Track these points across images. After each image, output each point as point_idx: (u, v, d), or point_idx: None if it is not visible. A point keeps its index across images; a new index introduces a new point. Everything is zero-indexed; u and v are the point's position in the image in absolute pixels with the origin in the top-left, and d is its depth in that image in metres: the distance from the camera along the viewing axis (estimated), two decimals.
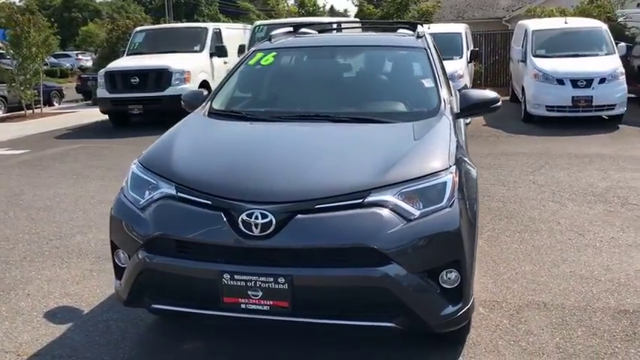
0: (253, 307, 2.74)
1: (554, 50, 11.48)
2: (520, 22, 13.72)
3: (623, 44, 11.72)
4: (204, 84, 12.51)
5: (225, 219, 2.76)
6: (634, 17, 13.66)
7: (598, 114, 10.74)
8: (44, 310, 3.98)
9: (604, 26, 11.84)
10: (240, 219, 2.73)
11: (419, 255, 2.73)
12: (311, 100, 4.02)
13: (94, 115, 14.23)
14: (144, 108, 11.94)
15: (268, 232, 2.70)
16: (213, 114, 3.97)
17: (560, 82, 10.67)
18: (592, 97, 10.43)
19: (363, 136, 3.44)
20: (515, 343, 3.42)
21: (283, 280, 2.67)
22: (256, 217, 2.71)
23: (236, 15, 69.78)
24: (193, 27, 14.51)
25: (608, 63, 10.75)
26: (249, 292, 2.72)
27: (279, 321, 2.80)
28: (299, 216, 2.71)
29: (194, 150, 3.35)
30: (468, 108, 3.86)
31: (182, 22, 41.71)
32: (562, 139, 9.84)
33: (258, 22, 13.44)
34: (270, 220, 2.70)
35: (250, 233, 2.72)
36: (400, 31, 5.12)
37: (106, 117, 13.03)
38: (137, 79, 11.87)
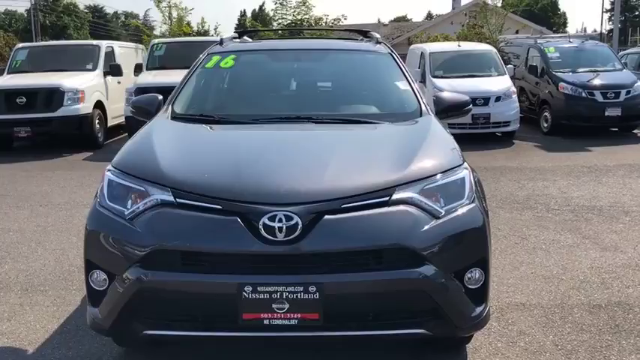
0: (278, 322, 2.43)
1: (450, 71, 12.03)
2: (413, 46, 14.30)
3: (511, 66, 12.60)
4: (99, 104, 11.65)
5: (242, 224, 2.44)
6: (514, 42, 14.79)
7: (495, 130, 11.36)
8: None
9: (494, 49, 12.66)
10: (261, 223, 2.43)
11: (450, 254, 2.59)
12: (291, 103, 3.80)
13: None
14: (32, 130, 10.82)
15: (294, 235, 2.42)
16: (178, 118, 3.59)
17: None
18: (489, 114, 11.01)
19: (362, 137, 3.27)
20: (513, 344, 3.37)
21: (314, 289, 2.39)
22: (280, 220, 2.42)
23: (107, 39, 67.17)
24: (84, 44, 13.50)
25: (502, 83, 11.45)
26: (274, 306, 2.41)
27: (309, 337, 2.50)
28: (326, 217, 2.46)
29: (183, 153, 2.98)
30: (443, 110, 3.83)
31: None
32: (469, 153, 10.16)
33: (156, 40, 12.87)
34: (296, 223, 2.42)
35: (273, 238, 2.42)
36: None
37: None
38: (24, 99, 10.74)
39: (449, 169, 2.80)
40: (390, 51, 4.30)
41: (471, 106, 3.93)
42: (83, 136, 11.18)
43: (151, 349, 3.32)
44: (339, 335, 2.53)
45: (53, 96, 10.82)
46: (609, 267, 4.60)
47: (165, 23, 18.75)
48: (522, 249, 5.08)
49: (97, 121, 11.47)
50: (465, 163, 2.92)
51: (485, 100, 11.05)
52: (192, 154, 2.99)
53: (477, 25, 18.18)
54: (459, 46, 12.92)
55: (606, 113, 11.02)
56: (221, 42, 4.45)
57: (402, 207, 2.56)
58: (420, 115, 3.61)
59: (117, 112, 12.68)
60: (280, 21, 18.95)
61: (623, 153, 9.90)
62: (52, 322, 3.72)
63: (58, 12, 61.49)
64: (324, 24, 18.69)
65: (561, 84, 11.48)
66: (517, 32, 17.55)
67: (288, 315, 2.42)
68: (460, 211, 2.66)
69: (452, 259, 2.59)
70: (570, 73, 11.71)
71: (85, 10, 70.38)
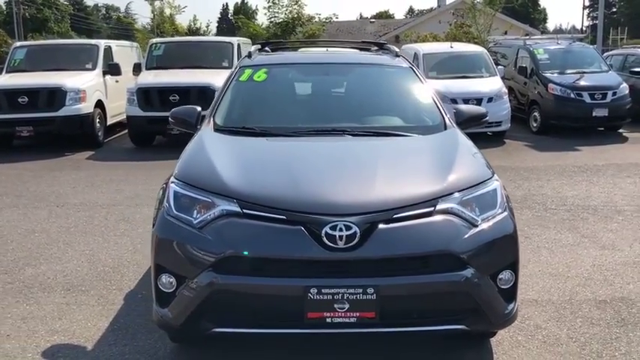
0: (339, 320, 2.73)
1: (444, 72, 12.38)
2: (406, 46, 14.62)
3: (501, 67, 12.99)
4: (99, 104, 11.81)
5: (307, 233, 2.73)
6: (503, 43, 15.20)
7: (487, 130, 11.74)
8: (38, 351, 3.59)
9: (485, 51, 13.04)
10: (323, 232, 2.72)
11: (486, 258, 2.91)
12: (324, 116, 4.07)
13: None
14: (34, 130, 10.95)
15: (353, 243, 2.72)
16: (221, 131, 3.84)
17: (454, 101, 11.51)
18: None
19: (399, 149, 3.57)
20: (532, 337, 3.70)
21: (372, 291, 2.70)
22: (340, 229, 2.72)
23: (88, 32, 66.40)
24: (83, 43, 13.59)
25: (493, 83, 11.84)
26: (336, 306, 2.71)
27: (365, 333, 2.81)
28: (381, 226, 2.76)
29: (243, 166, 3.24)
30: (464, 122, 4.14)
31: (30, 39, 38.61)
32: None
33: (154, 40, 13.00)
34: (355, 232, 2.73)
35: (335, 246, 2.72)
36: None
37: None
38: (25, 99, 10.85)
39: (483, 182, 3.11)
40: (410, 65, 4.60)
41: (487, 117, 4.24)
42: (84, 135, 11.35)
43: (202, 346, 3.58)
44: (391, 332, 2.84)
45: (55, 95, 10.95)
46: (609, 265, 4.97)
47: (153, 20, 18.82)
48: (527, 248, 5.42)
49: (97, 120, 11.63)
50: (495, 175, 3.24)
51: (478, 101, 11.40)
52: (251, 168, 3.25)
53: (465, 25, 18.58)
54: (451, 47, 13.27)
55: (594, 114, 11.46)
56: (249, 55, 4.71)
57: (444, 216, 2.88)
58: (445, 127, 3.92)
59: (115, 110, 12.84)
60: (273, 19, 19.16)
61: (610, 152, 10.34)
62: (101, 320, 3.97)
63: (39, 4, 60.72)
64: (316, 22, 19.00)
65: (551, 85, 11.90)
66: (506, 33, 18.00)
67: (348, 314, 2.73)
68: (494, 220, 2.99)
69: (488, 263, 2.91)
70: (559, 75, 12.13)
71: (66, 3, 69.58)
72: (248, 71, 4.42)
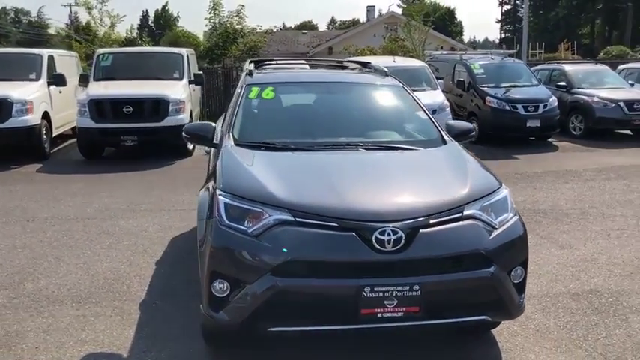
0: (388, 315, 3.08)
1: None
2: (351, 60, 15.13)
3: (441, 81, 13.77)
4: (45, 115, 11.54)
5: (359, 238, 3.06)
6: (439, 58, 16.07)
7: None
8: None
9: (426, 65, 13.78)
10: (374, 237, 3.06)
11: (506, 256, 3.34)
12: (333, 131, 4.41)
13: None
14: None
15: (399, 246, 3.08)
16: (241, 146, 4.09)
17: None
18: None
19: (414, 161, 3.97)
20: (526, 327, 4.19)
21: (417, 287, 3.07)
22: (388, 234, 3.07)
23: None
24: (26, 53, 13.13)
25: (436, 96, 12.54)
26: (386, 302, 3.06)
27: (410, 326, 3.16)
28: (421, 230, 3.14)
29: (283, 178, 3.51)
30: (455, 136, 4.59)
31: None
32: None
33: (102, 51, 12.81)
34: (401, 236, 3.09)
35: (384, 249, 3.06)
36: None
37: None
38: None
39: (495, 190, 3.56)
40: (401, 83, 5.03)
41: (473, 133, 4.73)
42: (31, 147, 11.07)
43: (234, 349, 3.81)
44: (431, 324, 3.22)
45: (1, 107, 10.63)
46: (572, 262, 5.58)
47: (98, 31, 18.45)
48: None
49: (44, 131, 11.37)
50: (503, 184, 3.70)
51: None
52: (293, 179, 3.53)
53: (399, 39, 19.42)
54: (395, 61, 13.92)
55: (527, 124, 12.43)
56: (250, 73, 4.98)
57: (471, 221, 3.30)
58: (443, 140, 4.35)
59: (60, 122, 12.58)
60: (212, 32, 19.23)
61: (545, 160, 11.26)
62: (126, 329, 4.10)
63: None
64: (257, 32, 19.28)
65: (488, 98, 12.78)
66: (442, 48, 19.00)
67: (396, 309, 3.08)
68: (509, 223, 3.44)
69: (507, 260, 3.35)
70: (494, 88, 13.04)
71: None
72: (255, 89, 4.69)
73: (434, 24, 22.45)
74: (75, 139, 13.17)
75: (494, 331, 4.08)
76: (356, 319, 3.09)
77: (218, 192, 3.42)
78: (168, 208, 7.51)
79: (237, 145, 4.12)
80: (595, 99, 13.34)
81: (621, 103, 13.05)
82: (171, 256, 5.67)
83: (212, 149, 4.68)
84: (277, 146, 4.08)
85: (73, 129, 13.48)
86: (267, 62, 5.94)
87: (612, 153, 11.92)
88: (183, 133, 4.45)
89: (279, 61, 6.25)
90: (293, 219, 3.16)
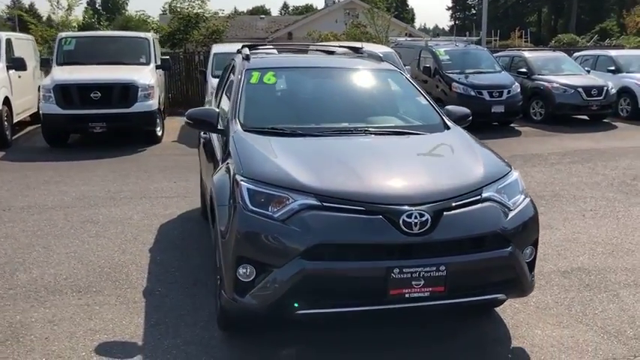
0: (416, 295, 3.16)
1: None
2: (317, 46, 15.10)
3: (409, 67, 13.92)
4: (6, 101, 11.12)
5: (386, 221, 3.12)
6: (404, 44, 16.23)
7: None
8: (90, 349, 3.63)
9: (393, 51, 13.89)
10: (401, 220, 3.12)
11: (521, 236, 3.47)
12: (338, 115, 4.45)
13: None
14: None
15: (425, 228, 3.15)
16: (250, 131, 4.06)
17: None
18: None
19: (427, 145, 4.04)
20: (527, 304, 4.35)
21: (443, 268, 3.15)
22: (415, 217, 3.14)
23: None
24: None
25: None
26: (413, 282, 3.13)
27: (436, 305, 3.25)
28: (445, 213, 3.22)
29: (304, 162, 3.52)
30: (455, 121, 4.69)
31: None
32: None
33: (64, 34, 12.36)
34: (427, 219, 3.16)
35: (410, 231, 3.13)
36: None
37: None
38: None
39: (507, 173, 3.68)
40: (397, 69, 5.09)
41: (470, 118, 4.84)
42: None
43: (247, 334, 3.82)
44: (455, 302, 3.32)
45: None
46: (556, 242, 5.81)
47: (53, 13, 17.77)
48: None
49: (5, 117, 10.96)
50: (513, 167, 3.82)
51: None
52: (314, 164, 3.53)
53: (361, 25, 19.49)
54: (362, 47, 13.95)
55: (492, 110, 12.75)
56: (248, 58, 4.93)
57: (489, 203, 3.40)
58: (445, 125, 4.44)
59: (21, 107, 12.15)
60: (173, 17, 18.85)
61: (510, 145, 11.58)
62: (135, 317, 4.06)
63: None
64: (219, 17, 19.00)
65: (454, 84, 13.04)
66: (407, 34, 19.16)
67: (423, 289, 3.16)
68: (522, 205, 3.57)
69: (522, 240, 3.48)
70: (460, 74, 13.29)
71: None
72: (256, 74, 4.65)
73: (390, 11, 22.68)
74: (35, 126, 12.81)
75: (497, 309, 4.23)
76: (385, 300, 3.16)
77: (240, 178, 3.40)
78: (149, 196, 7.40)
79: (246, 131, 4.10)
80: (555, 85, 13.79)
81: (580, 89, 13.52)
82: (164, 244, 5.61)
83: (213, 135, 4.64)
84: (286, 132, 4.08)
85: (32, 115, 13.08)
86: (260, 47, 5.89)
87: (573, 137, 12.37)
88: (185, 119, 4.39)
89: (274, 46, 6.21)
90: (320, 203, 3.18)
